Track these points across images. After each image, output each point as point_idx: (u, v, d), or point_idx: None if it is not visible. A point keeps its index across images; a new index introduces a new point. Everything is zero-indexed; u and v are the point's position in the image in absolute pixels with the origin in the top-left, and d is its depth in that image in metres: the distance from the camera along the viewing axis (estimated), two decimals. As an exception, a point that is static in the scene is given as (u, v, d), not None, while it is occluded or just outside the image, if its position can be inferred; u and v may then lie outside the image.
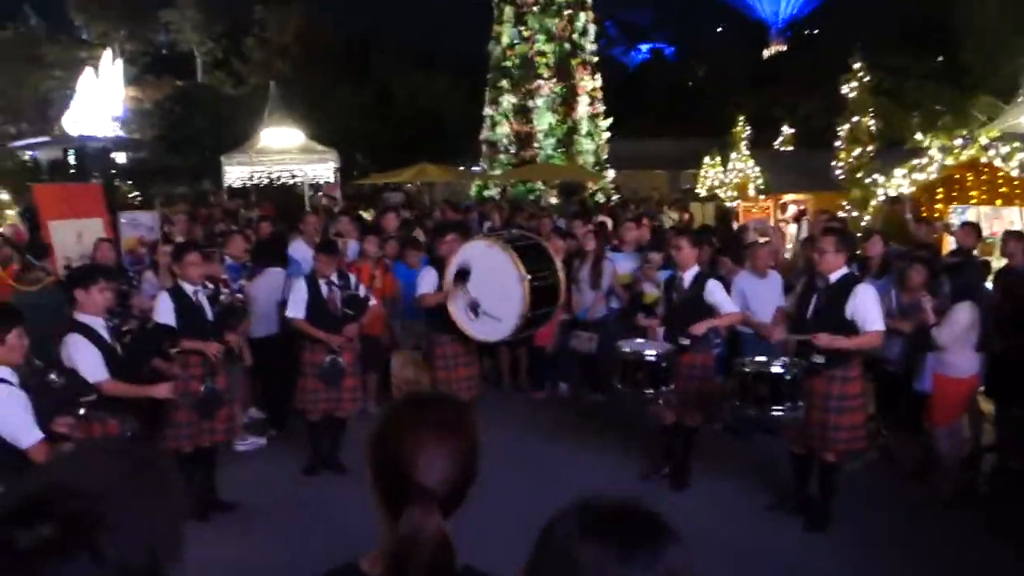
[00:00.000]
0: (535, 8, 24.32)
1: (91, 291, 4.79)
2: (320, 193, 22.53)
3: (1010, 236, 7.37)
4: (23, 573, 0.92)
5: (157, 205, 8.28)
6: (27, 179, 19.42)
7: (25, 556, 0.92)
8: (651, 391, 6.12)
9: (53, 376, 4.16)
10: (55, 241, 7.80)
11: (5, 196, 8.75)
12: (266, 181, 23.51)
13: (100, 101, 26.34)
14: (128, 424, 4.69)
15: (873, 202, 11.45)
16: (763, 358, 5.67)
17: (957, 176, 10.97)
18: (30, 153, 27.61)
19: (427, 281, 6.73)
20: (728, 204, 16.46)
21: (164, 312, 5.62)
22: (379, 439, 1.45)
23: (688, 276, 6.38)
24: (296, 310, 6.65)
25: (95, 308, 4.83)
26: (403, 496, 1.34)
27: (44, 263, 7.08)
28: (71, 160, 22.64)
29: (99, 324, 4.85)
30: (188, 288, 5.77)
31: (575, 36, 24.62)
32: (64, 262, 7.43)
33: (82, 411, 4.17)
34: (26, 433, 3.74)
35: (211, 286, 5.94)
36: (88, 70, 27.49)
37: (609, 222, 11.20)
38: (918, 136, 19.78)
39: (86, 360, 4.67)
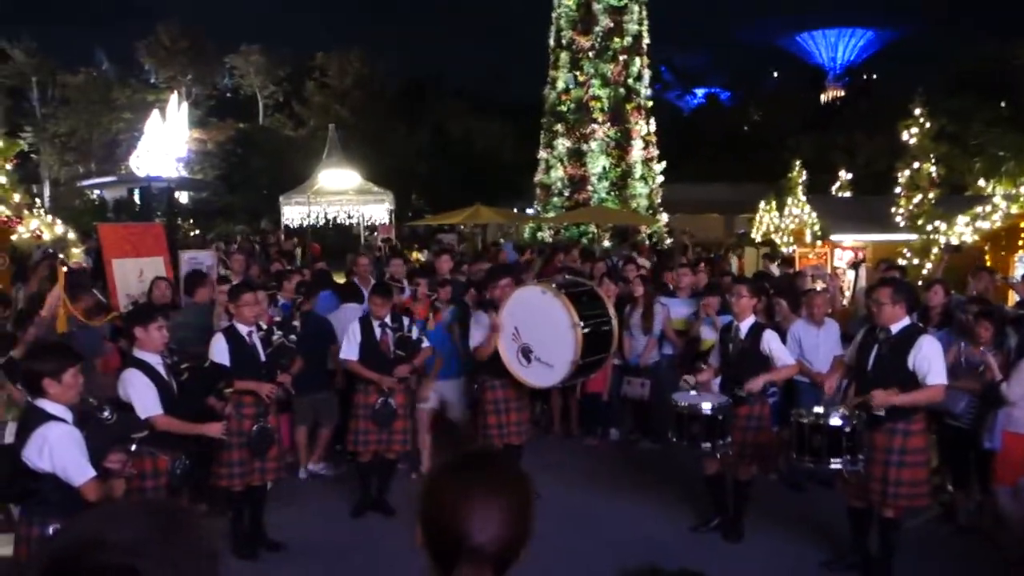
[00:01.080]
0: (591, 53, 24.51)
1: (149, 328, 4.88)
2: (375, 234, 22.82)
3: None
4: None
5: (214, 248, 8.41)
6: (93, 218, 20.03)
7: None
8: (707, 444, 5.99)
9: (107, 413, 4.21)
10: (117, 279, 7.99)
11: (72, 235, 9.00)
12: (323, 221, 23.91)
13: (165, 142, 27.08)
14: (179, 461, 4.74)
15: (935, 250, 11.18)
16: (820, 409, 5.51)
17: (1022, 224, 10.68)
18: (97, 192, 28.48)
19: (480, 330, 6.71)
20: (783, 249, 16.23)
21: (219, 352, 5.70)
22: (430, 497, 1.42)
23: (744, 326, 6.28)
24: (350, 352, 6.69)
25: (153, 345, 4.91)
26: (454, 556, 1.31)
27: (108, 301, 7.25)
28: (136, 199, 23.23)
29: (156, 361, 4.93)
30: (243, 329, 5.85)
31: (630, 81, 24.73)
32: (126, 300, 7.60)
33: (133, 447, 4.21)
34: (79, 471, 3.78)
35: (264, 327, 6.00)
36: (155, 112, 28.33)
37: (647, 264, 11.12)
38: (980, 182, 19.38)
39: (141, 395, 4.74)
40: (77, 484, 3.76)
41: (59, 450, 3.75)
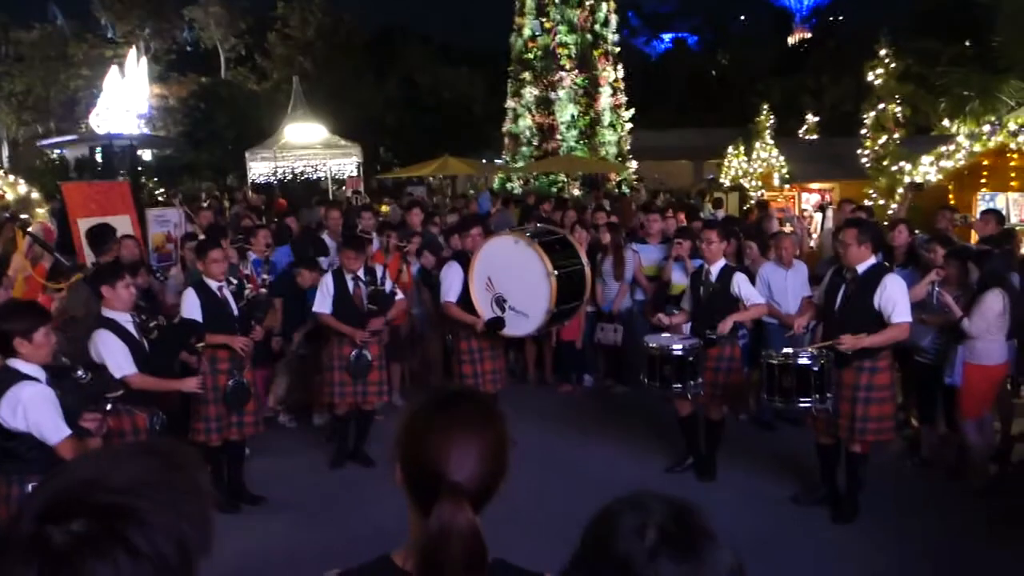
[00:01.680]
0: (556, 0, 24.23)
1: (117, 287, 4.84)
2: (344, 187, 22.63)
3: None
4: (60, 571, 0.92)
5: (177, 203, 8.32)
6: (55, 177, 19.64)
7: (59, 555, 0.92)
8: (679, 385, 6.09)
9: (80, 372, 4.19)
10: (83, 238, 7.87)
11: (36, 195, 8.85)
12: (290, 176, 23.67)
13: (126, 99, 26.51)
14: (156, 418, 4.75)
15: (899, 190, 11.31)
16: (789, 350, 5.62)
17: (986, 163, 10.82)
18: (58, 151, 27.90)
19: (452, 282, 6.72)
20: (752, 194, 16.34)
21: (190, 308, 5.67)
22: (408, 436, 1.45)
23: (715, 269, 6.35)
24: (322, 305, 6.69)
25: (122, 304, 4.88)
26: (433, 492, 1.35)
27: (74, 260, 7.16)
28: (98, 158, 22.83)
29: (126, 319, 4.90)
30: (212, 284, 5.82)
31: (597, 27, 24.51)
32: (92, 259, 7.50)
33: (109, 406, 4.21)
34: (54, 430, 3.78)
35: (235, 281, 5.98)
36: (114, 68, 27.64)
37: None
38: (945, 123, 19.50)
39: (114, 355, 4.73)
40: (52, 443, 3.77)
41: (33, 409, 3.75)
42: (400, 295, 7.13)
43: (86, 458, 1.09)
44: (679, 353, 6.04)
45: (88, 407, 4.01)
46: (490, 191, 19.91)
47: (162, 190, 23.33)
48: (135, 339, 4.88)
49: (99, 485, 0.97)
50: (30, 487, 3.78)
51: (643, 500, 1.25)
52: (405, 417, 1.50)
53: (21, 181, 8.70)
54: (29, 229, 6.58)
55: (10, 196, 8.27)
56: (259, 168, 23.54)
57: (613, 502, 1.27)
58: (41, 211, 8.73)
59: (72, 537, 0.93)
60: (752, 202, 14.75)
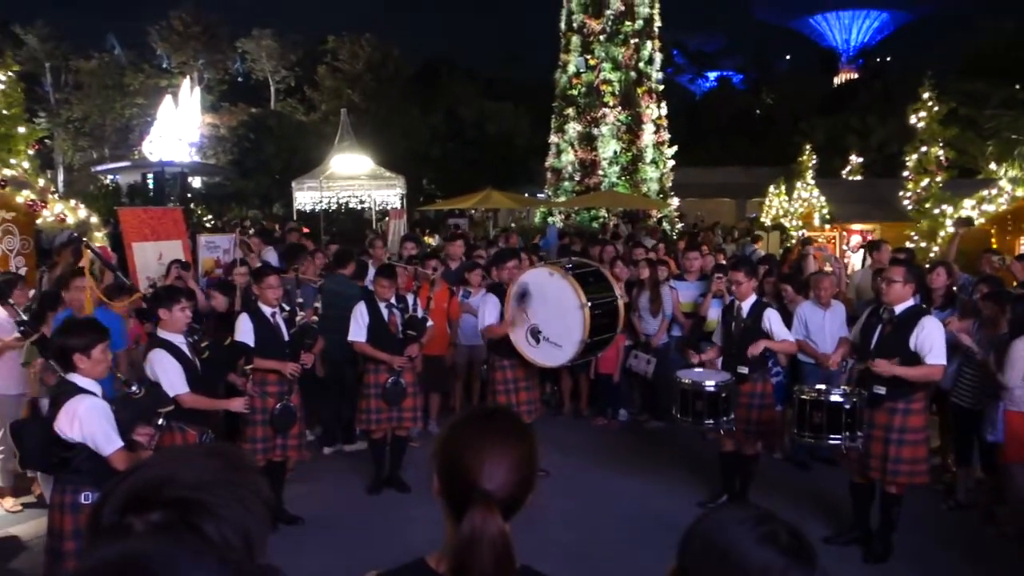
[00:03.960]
0: (601, 37, 24.51)
1: (173, 310, 5.07)
2: (387, 218, 22.97)
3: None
4: None
5: (238, 232, 8.62)
6: (109, 202, 20.19)
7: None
8: (711, 421, 6.15)
9: (134, 388, 4.39)
10: (137, 262, 8.19)
11: (95, 219, 9.20)
12: (335, 206, 24.08)
13: (178, 127, 27.27)
14: (205, 435, 4.94)
15: (941, 233, 11.27)
16: (822, 386, 5.67)
17: (1030, 207, 10.77)
18: (111, 177, 28.70)
19: (490, 310, 6.86)
20: (793, 233, 16.33)
21: (244, 331, 5.89)
22: (445, 447, 1.60)
23: (746, 305, 6.42)
24: (358, 333, 6.85)
25: (176, 326, 5.10)
26: (466, 500, 1.48)
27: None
28: (150, 184, 23.45)
29: (180, 341, 5.12)
30: (266, 310, 6.04)
31: (641, 64, 24.72)
32: (146, 282, 7.80)
33: (161, 421, 4.39)
34: (107, 441, 3.96)
35: (287, 308, 6.18)
36: (168, 98, 28.50)
37: (661, 248, 11.23)
38: (992, 166, 19.36)
39: (168, 374, 4.93)
40: (106, 454, 3.95)
41: (88, 421, 3.93)
42: (431, 321, 7.29)
43: (158, 458, 1.23)
44: (711, 389, 6.10)
45: (141, 422, 4.19)
46: (558, 228, 20.01)
47: (210, 216, 23.87)
48: (188, 359, 5.09)
49: (173, 481, 1.11)
50: (83, 497, 3.96)
51: (758, 511, 1.37)
52: (444, 430, 1.64)
53: (81, 205, 9.02)
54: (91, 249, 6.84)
55: (71, 220, 8.59)
56: (305, 198, 23.99)
57: (719, 512, 1.38)
58: (99, 235, 9.04)
59: (152, 526, 1.06)
60: (793, 241, 14.76)
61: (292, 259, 7.96)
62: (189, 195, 25.17)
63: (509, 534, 1.47)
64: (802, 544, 1.32)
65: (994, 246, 10.14)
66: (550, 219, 24.77)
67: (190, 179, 27.45)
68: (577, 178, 24.73)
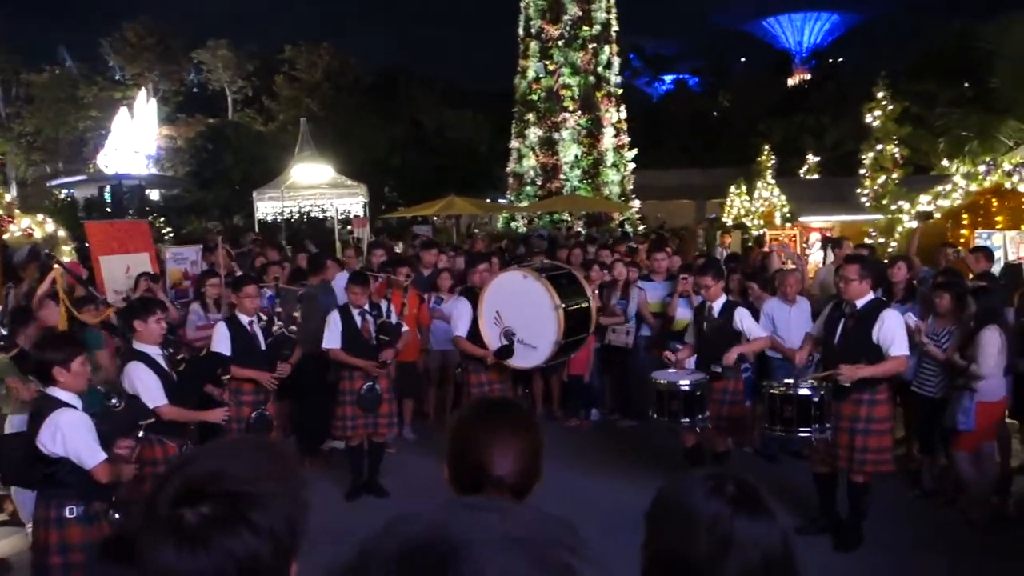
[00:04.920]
0: (560, 42, 24.68)
1: (149, 322, 5.06)
2: (349, 227, 22.91)
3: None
4: (194, 547, 1.11)
5: (219, 241, 8.59)
6: (64, 217, 19.95)
7: (193, 532, 1.11)
8: (687, 419, 6.26)
9: (115, 401, 4.39)
10: (105, 275, 8.12)
11: (62, 232, 9.11)
12: (296, 216, 23.96)
13: (134, 140, 26.99)
14: (185, 447, 4.94)
15: (899, 228, 11.55)
16: (790, 380, 5.81)
17: (982, 202, 11.07)
18: (66, 191, 28.28)
19: (462, 317, 6.92)
20: (755, 232, 16.58)
21: (221, 341, 5.89)
22: (456, 437, 1.67)
23: (717, 305, 6.55)
24: (332, 341, 6.87)
25: (152, 338, 5.10)
26: (477, 486, 1.55)
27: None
28: (107, 197, 23.17)
29: (156, 352, 5.11)
30: (244, 319, 6.05)
31: (599, 69, 24.92)
32: (114, 296, 7.74)
33: (141, 433, 4.40)
34: (90, 454, 3.97)
35: (264, 318, 6.19)
36: (123, 110, 28.22)
37: (643, 249, 11.34)
38: (944, 163, 19.81)
39: (146, 386, 4.93)
40: (89, 467, 3.95)
41: (71, 435, 3.93)
42: (405, 327, 7.34)
43: (207, 451, 1.28)
44: (686, 388, 6.21)
45: (121, 434, 4.20)
46: (546, 234, 20.02)
47: (169, 229, 23.62)
48: (165, 371, 5.09)
49: (223, 475, 1.16)
50: (68, 511, 3.96)
51: (709, 471, 1.48)
52: (453, 421, 1.71)
53: (48, 220, 8.93)
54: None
55: (38, 234, 8.51)
56: (266, 208, 23.81)
57: (677, 478, 1.48)
58: (67, 248, 8.96)
59: (203, 518, 1.12)
60: (751, 242, 15.00)
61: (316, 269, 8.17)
62: (147, 208, 24.93)
63: None
64: (750, 495, 1.42)
65: (949, 240, 10.40)
66: (512, 224, 24.88)
67: (148, 191, 27.22)
68: (539, 183, 24.85)
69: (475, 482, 1.57)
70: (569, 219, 23.78)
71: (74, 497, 3.93)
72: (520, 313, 6.52)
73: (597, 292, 8.35)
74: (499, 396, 2.50)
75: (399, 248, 16.26)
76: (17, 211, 8.46)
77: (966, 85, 26.57)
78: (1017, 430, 7.07)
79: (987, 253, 8.26)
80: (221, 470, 1.16)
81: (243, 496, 1.14)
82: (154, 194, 29.23)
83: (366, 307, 6.95)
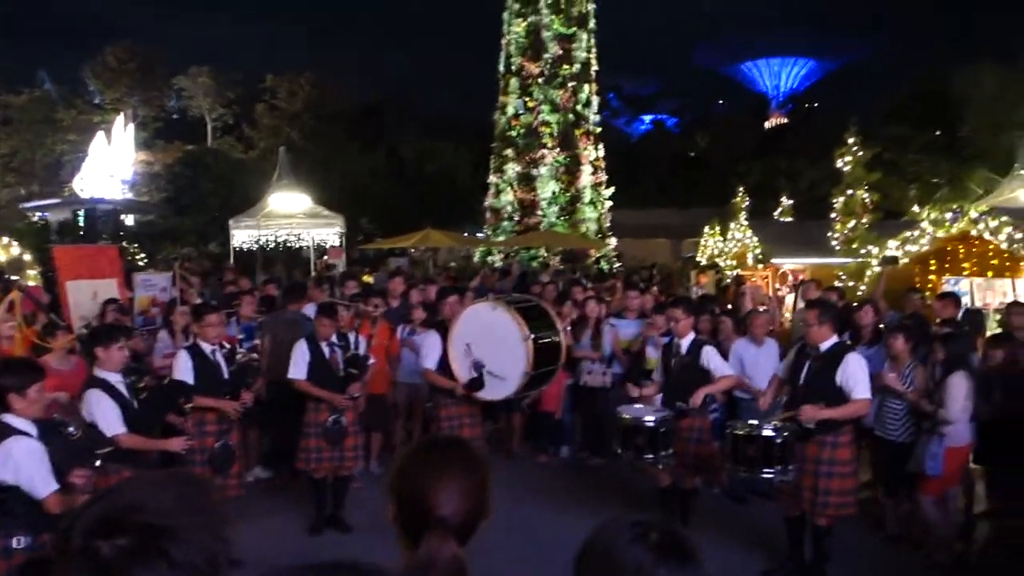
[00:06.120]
0: (540, 80, 24.95)
1: (111, 349, 5.00)
2: (325, 257, 22.85)
3: (1016, 306, 7.58)
4: None
5: (176, 267, 8.52)
6: (36, 240, 19.77)
7: (108, 564, 1.09)
8: (651, 456, 6.25)
9: (71, 429, 4.31)
10: (71, 300, 8.03)
11: (28, 256, 9.02)
12: (272, 244, 23.88)
13: (111, 164, 26.88)
14: (142, 477, 4.85)
15: (868, 272, 11.67)
16: (754, 421, 5.82)
17: (949, 248, 11.22)
18: (40, 214, 28.04)
19: (432, 349, 6.90)
20: (728, 273, 16.70)
21: (183, 370, 5.82)
22: (401, 475, 1.65)
23: (685, 343, 6.58)
24: (298, 371, 6.81)
25: (113, 365, 5.03)
26: (422, 526, 1.54)
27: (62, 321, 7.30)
28: (80, 221, 22.99)
29: (117, 380, 5.04)
30: (206, 347, 5.99)
31: (579, 107, 25.21)
32: (80, 321, 7.65)
33: (98, 463, 4.32)
34: (43, 484, 3.88)
35: (227, 346, 6.14)
36: (100, 134, 28.12)
37: (619, 287, 11.37)
38: (915, 208, 20.11)
39: (105, 414, 4.85)
40: (40, 496, 3.87)
41: (24, 463, 3.85)
42: (373, 359, 7.30)
43: (127, 485, 1.26)
44: (651, 424, 6.21)
45: (78, 463, 4.12)
46: (520, 265, 20.02)
47: (143, 255, 23.45)
48: (126, 399, 5.01)
49: (142, 508, 1.15)
50: (15, 541, 3.87)
51: (636, 517, 1.47)
52: (399, 458, 1.70)
53: (15, 243, 8.84)
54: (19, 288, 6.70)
55: (2, 257, 8.41)
56: (242, 236, 23.74)
57: (605, 522, 1.48)
58: (33, 272, 8.87)
59: (119, 550, 1.10)
60: (728, 280, 15.11)
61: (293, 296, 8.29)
62: (122, 233, 24.77)
63: (464, 559, 1.53)
64: (674, 543, 1.43)
65: (917, 285, 10.52)
66: (488, 258, 24.93)
67: (122, 217, 27.07)
68: (516, 218, 24.99)
69: (419, 521, 1.55)
70: (546, 255, 23.87)
71: (22, 528, 3.84)
72: (490, 344, 6.51)
73: (569, 329, 8.36)
74: (447, 434, 2.49)
75: (372, 279, 16.23)
76: (-19, 234, 8.38)
77: (937, 132, 27.07)
78: (981, 475, 7.10)
79: (954, 299, 8.35)
80: (140, 502, 1.15)
81: (161, 529, 1.12)
82: (129, 219, 29.05)
83: (334, 339, 6.92)
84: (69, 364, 6.21)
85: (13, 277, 7.10)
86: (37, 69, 44.39)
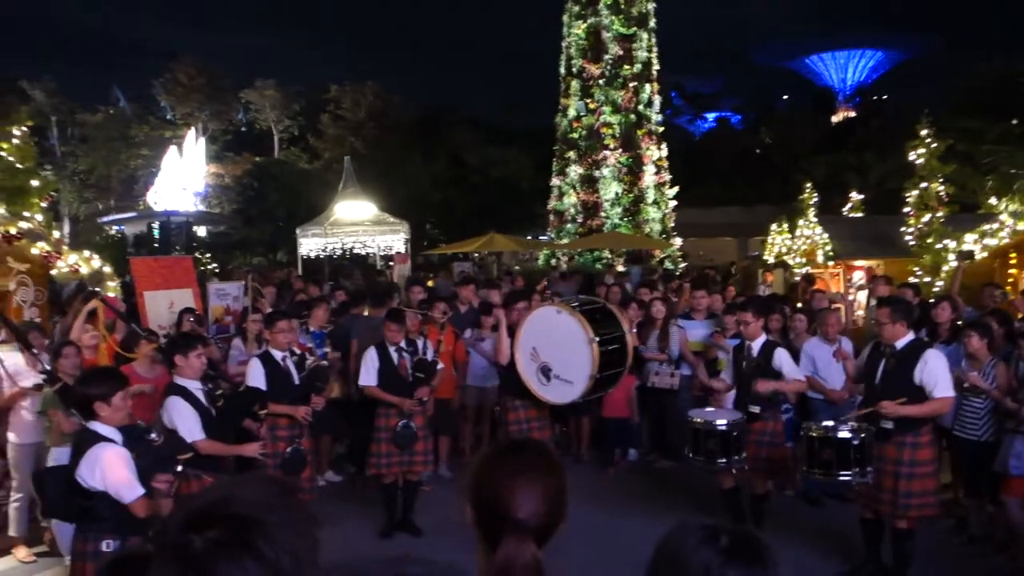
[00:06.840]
0: (601, 81, 24.86)
1: (189, 357, 5.14)
2: (391, 263, 23.12)
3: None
4: (198, 571, 1.12)
5: (248, 279, 8.73)
6: (114, 253, 20.39)
7: (196, 558, 1.13)
8: (723, 460, 6.17)
9: (154, 435, 4.44)
10: (148, 310, 8.29)
11: (108, 268, 9.34)
12: (339, 252, 24.25)
13: (183, 178, 27.65)
14: (221, 481, 4.98)
15: (944, 268, 11.33)
16: (830, 423, 5.70)
17: (1032, 240, 10.83)
18: (116, 228, 28.95)
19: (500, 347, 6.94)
20: (797, 271, 16.39)
21: (255, 377, 5.96)
22: (478, 479, 1.67)
23: (756, 345, 6.48)
24: (368, 378, 6.91)
25: (192, 372, 5.17)
26: (500, 529, 1.55)
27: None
28: (155, 234, 23.69)
29: (196, 387, 5.18)
30: (277, 354, 6.12)
31: (640, 107, 25.03)
32: (158, 330, 7.88)
33: (179, 468, 4.44)
34: (129, 489, 4.00)
35: (298, 352, 6.26)
36: (172, 148, 28.98)
37: (687, 287, 11.26)
38: (992, 200, 19.45)
39: (185, 421, 4.99)
40: (127, 501, 3.99)
41: (111, 469, 3.98)
42: (441, 364, 7.36)
43: (219, 483, 1.30)
44: (723, 428, 6.13)
45: (160, 469, 4.24)
46: (639, 272, 19.87)
47: (215, 265, 24.04)
48: (204, 406, 5.15)
49: (232, 501, 1.18)
50: (104, 545, 4.00)
51: (708, 521, 1.49)
52: (476, 462, 1.71)
53: (95, 256, 9.15)
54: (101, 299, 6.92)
55: (84, 270, 8.71)
56: (309, 244, 24.15)
57: (675, 526, 1.49)
58: (112, 284, 9.16)
59: (209, 543, 1.13)
60: (797, 278, 14.84)
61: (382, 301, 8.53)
62: (194, 244, 25.44)
63: (541, 560, 1.54)
64: (744, 545, 1.42)
65: (996, 280, 10.17)
66: (552, 261, 24.90)
67: (195, 228, 27.81)
68: (580, 220, 24.92)
69: (498, 524, 1.57)
70: (610, 256, 23.76)
71: (110, 531, 3.97)
72: (556, 348, 6.52)
73: (635, 331, 8.31)
74: (522, 437, 2.50)
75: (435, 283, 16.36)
76: (65, 247, 8.68)
77: (1013, 122, 26.20)
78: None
79: (1038, 295, 8.09)
80: (230, 496, 1.18)
81: (251, 522, 1.15)
82: (201, 230, 29.83)
83: (402, 344, 7.00)
84: (155, 372, 6.42)
85: (95, 289, 7.32)
86: (111, 87, 45.87)
